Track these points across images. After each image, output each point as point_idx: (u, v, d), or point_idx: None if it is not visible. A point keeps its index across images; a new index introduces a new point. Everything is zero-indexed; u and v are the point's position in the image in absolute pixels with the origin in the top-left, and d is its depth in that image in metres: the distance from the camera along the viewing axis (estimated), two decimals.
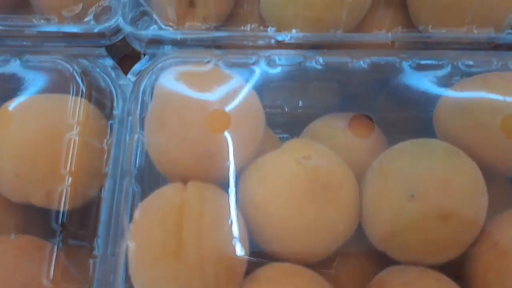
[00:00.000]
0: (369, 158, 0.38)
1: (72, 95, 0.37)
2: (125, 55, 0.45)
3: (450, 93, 0.37)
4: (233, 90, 0.35)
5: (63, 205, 0.33)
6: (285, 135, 0.47)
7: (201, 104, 0.34)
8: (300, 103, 0.44)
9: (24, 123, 0.35)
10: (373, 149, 0.39)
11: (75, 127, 0.35)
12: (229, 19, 0.41)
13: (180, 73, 0.36)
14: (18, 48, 0.39)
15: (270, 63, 0.36)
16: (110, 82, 0.39)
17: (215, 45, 0.40)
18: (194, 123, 0.33)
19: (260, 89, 0.38)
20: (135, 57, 0.42)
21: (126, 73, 0.43)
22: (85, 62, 0.39)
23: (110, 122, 0.38)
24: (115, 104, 0.38)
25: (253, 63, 0.36)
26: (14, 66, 0.38)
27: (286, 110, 0.45)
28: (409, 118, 0.43)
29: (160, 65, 0.38)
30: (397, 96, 0.42)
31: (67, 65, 0.38)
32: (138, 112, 0.36)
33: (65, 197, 0.33)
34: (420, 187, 0.32)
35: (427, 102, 0.40)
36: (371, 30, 0.40)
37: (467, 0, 0.36)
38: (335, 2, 0.36)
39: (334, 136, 0.40)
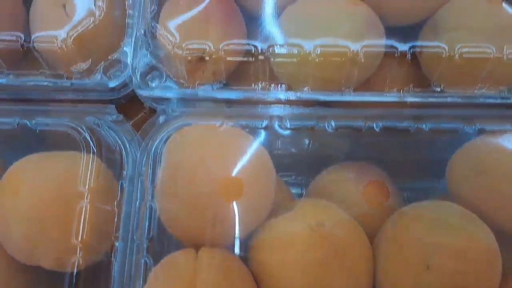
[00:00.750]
0: (381, 212, 0.38)
1: (83, 157, 0.36)
2: (133, 97, 0.44)
3: (462, 152, 0.37)
4: (244, 153, 0.35)
5: (75, 273, 0.33)
6: (291, 177, 0.47)
7: (213, 171, 0.33)
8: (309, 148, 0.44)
9: (34, 187, 0.35)
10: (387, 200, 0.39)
11: (86, 194, 0.34)
12: (239, 72, 0.40)
13: (191, 136, 0.36)
14: (27, 108, 0.39)
15: (282, 126, 0.36)
16: (119, 141, 0.38)
17: (225, 100, 0.39)
18: (205, 191, 0.33)
19: (270, 143, 0.38)
20: None
21: (132, 114, 0.44)
22: (94, 119, 0.39)
23: (120, 181, 0.37)
24: (125, 163, 0.38)
25: (265, 127, 0.36)
26: (23, 128, 0.37)
27: (294, 151, 0.45)
28: (420, 162, 0.44)
29: (170, 125, 0.38)
30: (408, 146, 0.42)
31: (76, 126, 0.37)
32: (149, 176, 0.36)
33: (76, 267, 0.33)
34: (436, 258, 0.31)
35: (439, 150, 0.40)
36: (382, 84, 0.39)
37: (481, 60, 0.36)
38: (346, 63, 0.36)
39: (345, 190, 0.40)
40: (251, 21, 0.40)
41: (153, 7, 0.40)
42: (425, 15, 0.40)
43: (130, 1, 0.41)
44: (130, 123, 0.43)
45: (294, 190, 0.47)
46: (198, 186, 0.33)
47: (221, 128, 0.36)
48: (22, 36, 0.38)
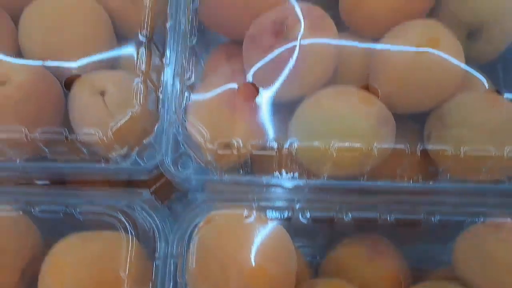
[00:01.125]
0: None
1: (122, 240, 0.40)
2: None
3: (467, 238, 0.41)
4: (270, 243, 0.39)
5: None
6: (304, 244, 0.51)
7: (242, 262, 0.37)
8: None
9: (76, 272, 0.39)
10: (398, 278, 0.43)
11: (126, 281, 0.38)
12: (263, 158, 0.44)
13: (220, 226, 0.40)
14: (67, 192, 0.43)
15: (304, 216, 0.40)
16: (153, 223, 0.42)
17: (251, 184, 0.43)
18: (235, 280, 0.37)
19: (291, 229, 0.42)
20: None
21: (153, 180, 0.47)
22: (129, 202, 0.43)
23: (154, 261, 0.41)
24: (157, 245, 0.41)
25: (288, 218, 0.40)
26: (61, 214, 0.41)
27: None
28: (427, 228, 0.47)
29: (200, 210, 0.41)
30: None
31: (114, 211, 0.41)
32: (182, 260, 0.39)
33: None
34: None
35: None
36: (393, 169, 0.43)
37: (484, 158, 0.39)
38: (361, 158, 0.40)
39: (358, 268, 0.44)
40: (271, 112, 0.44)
41: (183, 98, 0.44)
42: (432, 107, 0.43)
43: (162, 93, 0.45)
44: (152, 189, 0.47)
45: (307, 251, 0.51)
46: (228, 276, 0.37)
47: (247, 218, 0.39)
48: (66, 130, 0.41)
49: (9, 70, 0.43)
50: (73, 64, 0.45)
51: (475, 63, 0.46)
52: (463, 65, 0.42)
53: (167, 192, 0.46)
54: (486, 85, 0.46)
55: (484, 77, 0.46)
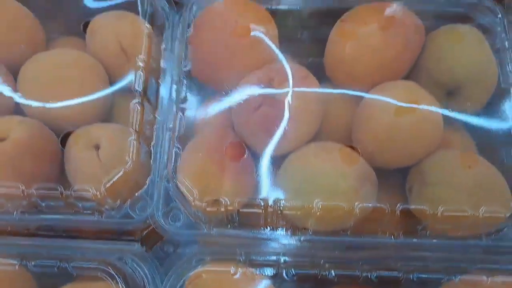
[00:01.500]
0: None
1: None
2: None
3: None
4: None
5: None
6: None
7: None
8: None
9: None
10: None
11: None
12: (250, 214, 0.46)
13: (209, 283, 0.41)
14: (59, 245, 0.45)
15: (288, 274, 0.42)
16: (143, 275, 0.43)
17: (238, 238, 0.45)
18: None
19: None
20: None
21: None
22: (121, 255, 0.44)
23: None
24: None
25: (274, 275, 0.42)
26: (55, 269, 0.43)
27: None
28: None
29: (189, 264, 0.43)
30: None
31: (105, 266, 0.43)
32: None
33: None
34: None
35: None
36: (375, 225, 0.45)
37: (460, 217, 0.41)
38: (343, 216, 0.42)
39: None
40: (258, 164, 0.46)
41: (173, 153, 0.46)
42: (413, 163, 0.45)
43: (154, 146, 0.47)
44: (144, 233, 0.49)
45: None
46: None
47: (234, 275, 0.41)
48: (61, 186, 0.43)
49: (7, 127, 0.45)
50: (70, 119, 0.47)
51: (457, 118, 0.48)
52: (442, 125, 0.44)
53: (158, 235, 0.47)
54: (467, 142, 0.48)
55: (464, 134, 0.48)
